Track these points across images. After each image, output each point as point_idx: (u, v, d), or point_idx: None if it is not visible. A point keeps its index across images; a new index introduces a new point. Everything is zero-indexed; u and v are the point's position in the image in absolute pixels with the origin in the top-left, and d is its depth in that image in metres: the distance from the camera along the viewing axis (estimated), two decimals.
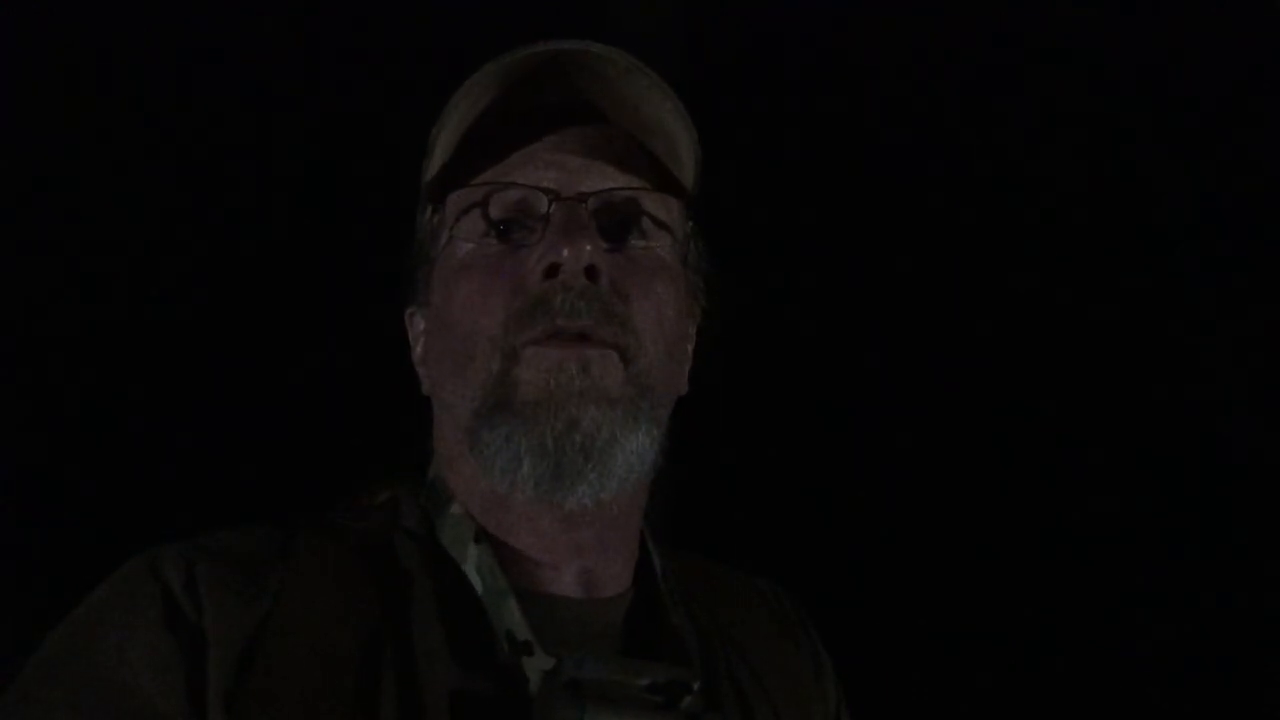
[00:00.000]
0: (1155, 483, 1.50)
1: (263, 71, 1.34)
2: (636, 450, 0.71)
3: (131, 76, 1.30)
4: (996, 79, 1.52)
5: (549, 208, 0.72)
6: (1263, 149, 1.51)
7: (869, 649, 1.05)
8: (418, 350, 0.82)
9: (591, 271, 0.71)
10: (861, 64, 1.51)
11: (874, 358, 1.51)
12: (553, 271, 0.71)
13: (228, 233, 1.34)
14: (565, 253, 0.70)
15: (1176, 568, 1.47)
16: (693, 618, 0.79)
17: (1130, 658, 1.46)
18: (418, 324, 0.82)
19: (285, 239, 1.33)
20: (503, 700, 0.67)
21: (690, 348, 0.82)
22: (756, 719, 0.77)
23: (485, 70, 0.73)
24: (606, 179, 0.74)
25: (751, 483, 1.42)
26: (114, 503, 1.22)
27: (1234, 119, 1.52)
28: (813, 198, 1.50)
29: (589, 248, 0.70)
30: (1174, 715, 1.45)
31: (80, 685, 0.63)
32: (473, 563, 0.73)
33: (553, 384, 0.69)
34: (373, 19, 1.36)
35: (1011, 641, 1.45)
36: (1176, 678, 1.45)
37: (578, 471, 0.69)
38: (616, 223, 0.75)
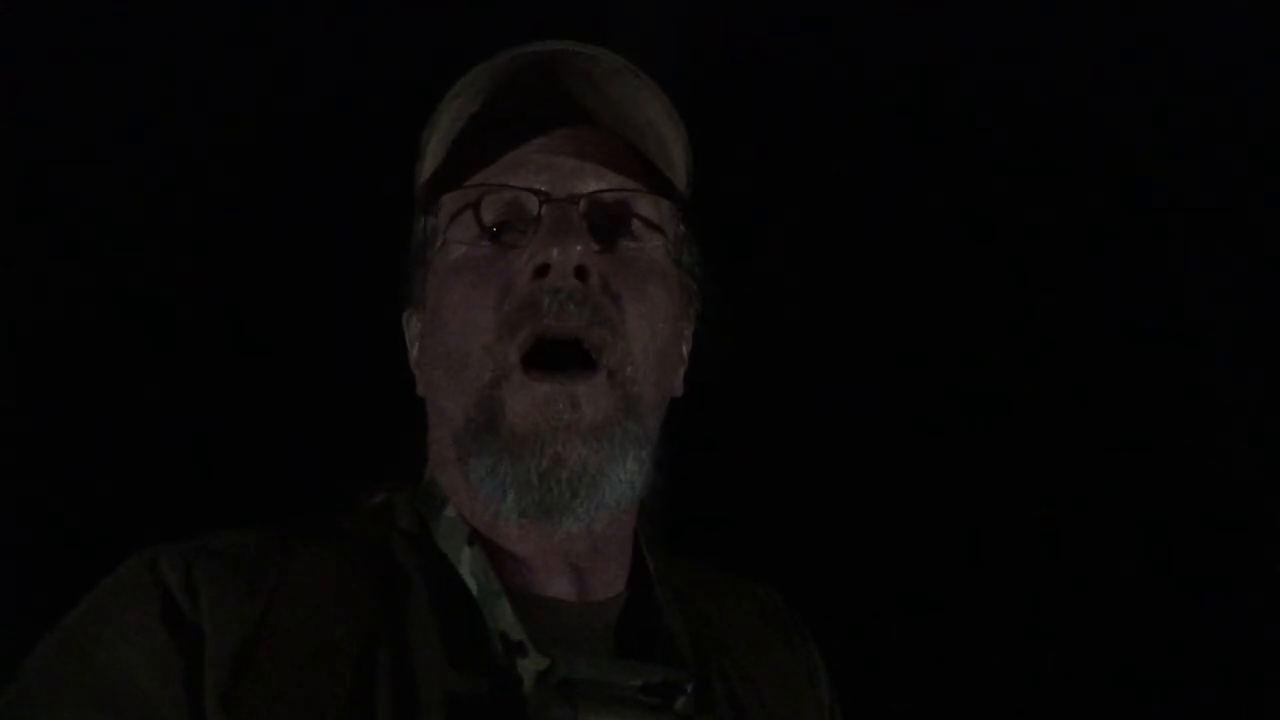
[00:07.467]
0: (1154, 483, 1.50)
1: (260, 70, 1.34)
2: (625, 479, 0.71)
3: (127, 75, 1.30)
4: (996, 81, 1.52)
5: (540, 209, 0.72)
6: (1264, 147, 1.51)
7: (864, 653, 1.05)
8: (414, 352, 0.82)
9: (581, 272, 0.71)
10: (862, 64, 1.51)
11: (874, 360, 1.51)
12: (542, 272, 0.71)
13: (226, 232, 1.34)
14: (555, 253, 0.70)
15: (1175, 568, 1.47)
16: (686, 620, 0.80)
17: (1128, 659, 1.46)
18: (414, 326, 0.82)
19: (284, 238, 1.33)
20: (497, 701, 0.67)
21: (686, 350, 0.82)
22: None
23: (475, 73, 0.74)
24: (598, 180, 0.74)
25: (748, 486, 1.42)
26: (111, 504, 1.22)
27: (1235, 118, 1.52)
28: (813, 200, 1.50)
29: (579, 248, 0.70)
30: (1172, 715, 1.45)
31: (80, 684, 0.63)
32: (466, 565, 0.73)
33: (540, 419, 0.69)
34: (373, 18, 1.36)
35: (1007, 646, 1.44)
36: (1174, 679, 1.45)
37: (564, 505, 0.70)
38: (608, 224, 0.75)
